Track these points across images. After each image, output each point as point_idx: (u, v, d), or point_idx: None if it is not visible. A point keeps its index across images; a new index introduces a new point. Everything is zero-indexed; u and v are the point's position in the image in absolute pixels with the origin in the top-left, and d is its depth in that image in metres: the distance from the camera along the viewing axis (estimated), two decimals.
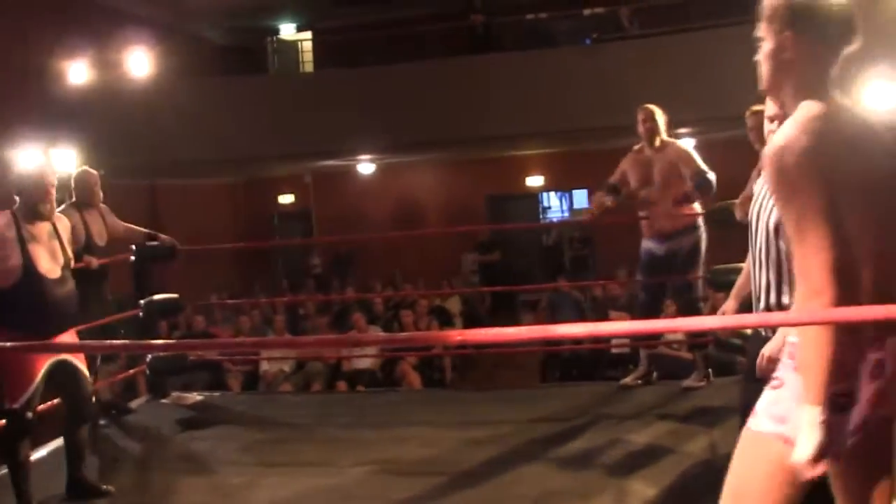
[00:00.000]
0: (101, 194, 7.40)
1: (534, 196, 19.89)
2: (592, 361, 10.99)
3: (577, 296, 13.16)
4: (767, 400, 2.53)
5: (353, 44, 16.38)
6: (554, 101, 12.52)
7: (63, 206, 7.27)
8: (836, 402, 2.30)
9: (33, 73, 13.81)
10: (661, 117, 7.00)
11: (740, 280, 4.20)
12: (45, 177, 5.47)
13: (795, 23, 2.51)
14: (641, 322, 2.82)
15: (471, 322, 14.45)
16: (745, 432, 2.56)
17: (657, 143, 6.97)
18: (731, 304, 4.24)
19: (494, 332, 2.21)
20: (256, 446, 6.48)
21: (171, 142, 13.66)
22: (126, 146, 13.43)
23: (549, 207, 20.40)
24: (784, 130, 2.42)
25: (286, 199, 21.30)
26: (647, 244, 7.25)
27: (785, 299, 3.38)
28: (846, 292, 2.24)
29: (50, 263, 5.32)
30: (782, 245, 3.35)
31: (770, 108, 3.70)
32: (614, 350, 10.23)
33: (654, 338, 7.57)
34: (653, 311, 7.33)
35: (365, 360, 11.13)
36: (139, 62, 13.74)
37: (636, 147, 7.18)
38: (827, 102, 2.47)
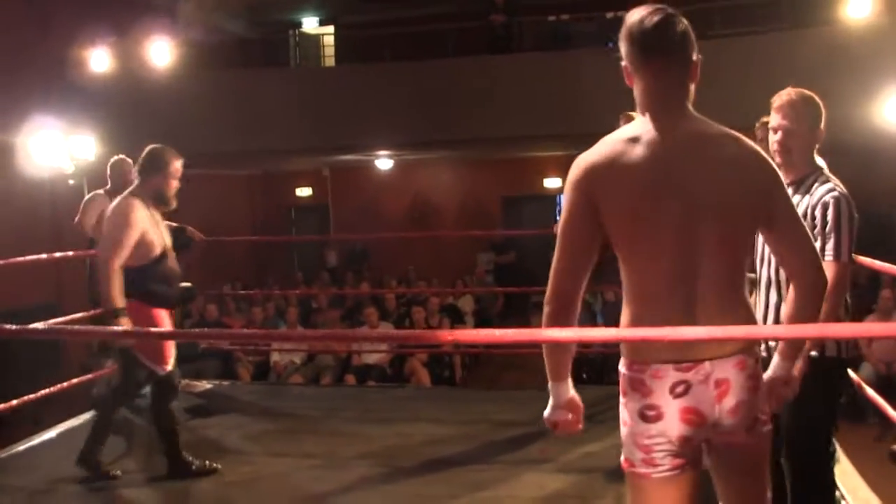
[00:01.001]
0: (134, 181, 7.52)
1: (551, 198, 19.90)
2: (603, 364, 11.02)
3: (588, 299, 13.18)
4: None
5: (375, 39, 16.41)
6: (573, 103, 12.52)
7: (95, 193, 7.40)
8: (643, 414, 2.63)
9: (55, 61, 13.89)
10: None
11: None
12: (176, 166, 5.84)
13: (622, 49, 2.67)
14: (627, 330, 2.76)
15: (482, 322, 14.52)
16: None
17: None
18: None
19: (485, 333, 2.27)
20: (263, 436, 6.57)
21: (191, 132, 13.71)
22: (145, 135, 13.38)
23: None
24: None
25: (304, 191, 21.37)
26: None
27: None
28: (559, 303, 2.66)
29: (168, 243, 5.74)
30: None
31: (774, 119, 3.77)
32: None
33: None
34: None
35: (375, 356, 11.21)
36: (161, 52, 13.79)
37: None
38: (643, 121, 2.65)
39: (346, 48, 18.30)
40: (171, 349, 5.66)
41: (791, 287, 2.76)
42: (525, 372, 11.26)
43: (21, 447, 6.33)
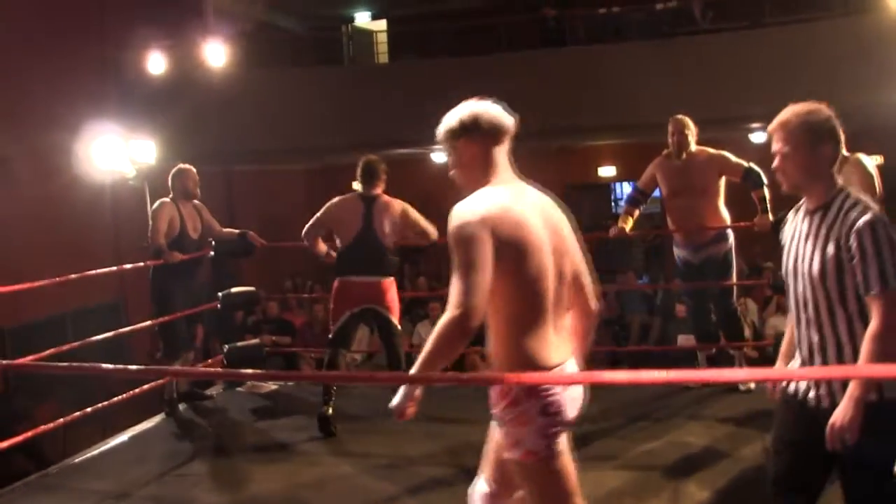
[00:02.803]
0: (198, 191, 7.71)
1: (605, 186, 19.83)
2: (653, 361, 11.01)
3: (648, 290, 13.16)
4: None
5: (427, 34, 16.44)
6: (625, 94, 12.48)
7: (162, 201, 7.53)
8: (545, 410, 3.20)
9: (111, 64, 14.09)
10: (692, 129, 7.01)
11: (784, 345, 3.78)
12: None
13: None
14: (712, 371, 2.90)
15: None
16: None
17: (684, 155, 6.98)
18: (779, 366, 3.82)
19: (549, 376, 2.40)
20: (330, 437, 6.66)
21: (247, 131, 13.87)
22: (202, 135, 13.67)
23: (621, 198, 19.84)
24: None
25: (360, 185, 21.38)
26: (681, 253, 7.27)
27: (847, 352, 3.30)
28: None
29: None
30: (832, 291, 3.30)
31: (773, 144, 3.57)
32: (676, 350, 10.21)
33: (713, 340, 7.57)
34: (701, 317, 7.43)
35: None
36: (215, 53, 13.92)
37: (665, 152, 7.19)
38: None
39: (399, 42, 18.34)
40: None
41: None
42: (585, 364, 11.27)
43: (93, 452, 6.47)
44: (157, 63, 13.91)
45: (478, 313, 3.07)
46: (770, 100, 2.79)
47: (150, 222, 7.46)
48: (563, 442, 3.32)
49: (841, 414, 3.17)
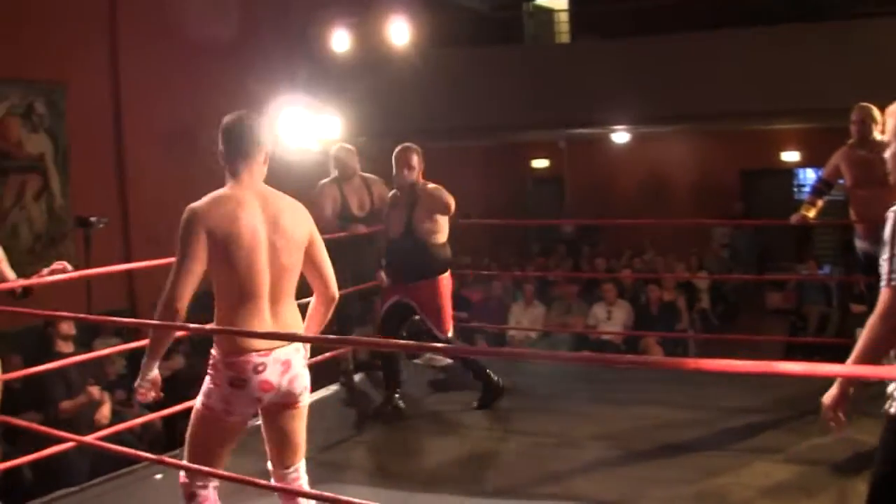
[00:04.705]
0: (357, 167, 7.76)
1: (788, 171, 19.26)
2: (829, 354, 10.71)
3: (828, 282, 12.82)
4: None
5: (608, 13, 16.27)
6: (815, 76, 12.08)
7: (324, 182, 7.69)
8: (233, 382, 3.72)
9: (299, 40, 14.42)
10: (877, 118, 6.75)
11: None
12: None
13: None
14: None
15: (716, 299, 14.35)
16: None
17: (867, 145, 6.74)
18: None
19: (725, 363, 2.54)
20: (501, 413, 6.79)
21: (428, 109, 14.03)
22: (385, 112, 13.90)
23: (805, 185, 19.00)
24: None
25: (540, 163, 21.39)
26: (862, 245, 6.99)
27: None
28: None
29: None
30: None
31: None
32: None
33: None
34: None
35: (609, 334, 11.31)
36: (399, 31, 14.10)
37: (849, 142, 6.96)
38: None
39: (579, 22, 18.20)
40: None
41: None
42: (760, 353, 11.08)
43: None
44: (341, 40, 14.17)
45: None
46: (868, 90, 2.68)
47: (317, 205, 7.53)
48: (242, 408, 3.83)
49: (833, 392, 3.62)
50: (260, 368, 3.72)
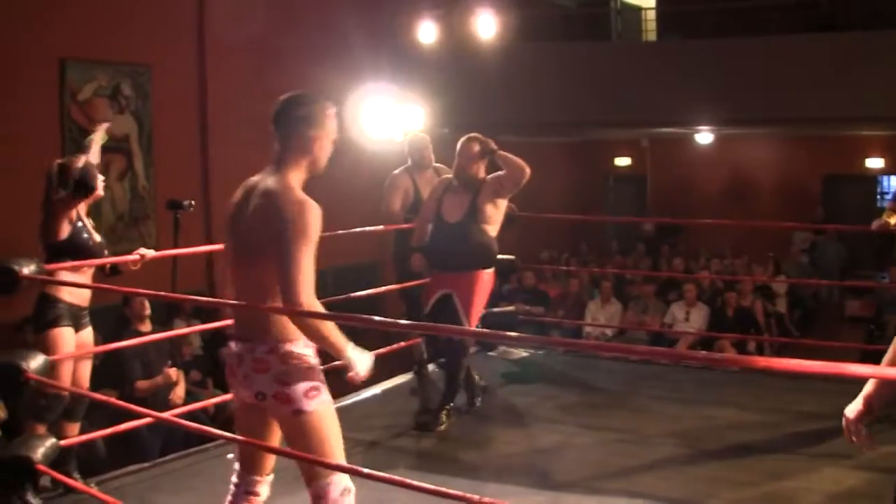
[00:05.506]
0: (432, 157, 7.67)
1: (871, 178, 18.99)
2: None
3: None
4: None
5: (695, 13, 16.14)
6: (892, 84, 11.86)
7: (395, 174, 7.68)
8: (318, 366, 3.59)
9: (384, 30, 14.53)
10: None
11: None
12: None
13: None
14: None
15: (794, 305, 14.21)
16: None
17: None
18: None
19: (794, 362, 2.47)
20: (572, 407, 6.85)
21: (513, 104, 14.06)
22: (469, 105, 13.96)
23: (888, 192, 18.56)
24: None
25: (622, 161, 21.30)
26: None
27: None
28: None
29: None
30: None
31: None
32: None
33: None
34: None
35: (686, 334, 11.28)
36: (486, 25, 14.13)
37: None
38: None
39: (666, 21, 18.09)
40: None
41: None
42: (835, 357, 10.94)
43: (346, 401, 6.66)
44: (428, 31, 14.24)
45: None
46: None
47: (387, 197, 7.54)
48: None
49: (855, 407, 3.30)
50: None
